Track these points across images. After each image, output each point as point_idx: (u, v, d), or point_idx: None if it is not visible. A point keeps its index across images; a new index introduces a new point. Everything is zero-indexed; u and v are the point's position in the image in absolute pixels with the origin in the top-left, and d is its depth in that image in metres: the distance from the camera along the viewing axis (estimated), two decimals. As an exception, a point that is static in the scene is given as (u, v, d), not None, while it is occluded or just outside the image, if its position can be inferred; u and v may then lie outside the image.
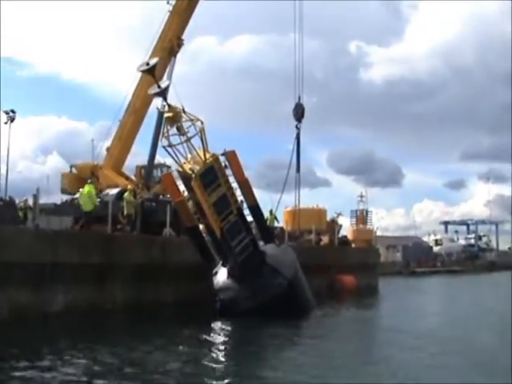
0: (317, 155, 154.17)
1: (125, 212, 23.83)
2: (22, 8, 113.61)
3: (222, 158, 21.31)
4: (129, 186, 26.21)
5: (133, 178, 34.10)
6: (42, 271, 18.57)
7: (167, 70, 33.25)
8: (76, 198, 29.80)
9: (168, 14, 32.68)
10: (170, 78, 33.12)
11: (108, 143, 34.51)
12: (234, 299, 20.29)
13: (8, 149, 37.48)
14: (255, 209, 22.76)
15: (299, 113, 30.67)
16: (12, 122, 38.80)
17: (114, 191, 28.09)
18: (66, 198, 31.77)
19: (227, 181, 20.94)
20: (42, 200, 29.15)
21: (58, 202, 30.76)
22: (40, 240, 19.03)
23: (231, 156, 21.62)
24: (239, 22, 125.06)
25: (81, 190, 23.81)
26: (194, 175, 20.13)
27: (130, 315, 19.89)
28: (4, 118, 38.71)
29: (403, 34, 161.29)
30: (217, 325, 18.65)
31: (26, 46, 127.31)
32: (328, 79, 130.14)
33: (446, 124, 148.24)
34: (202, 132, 20.21)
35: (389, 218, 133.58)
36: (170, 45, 32.79)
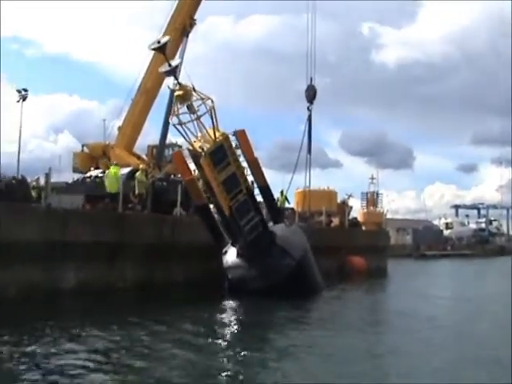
0: (328, 136, 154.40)
1: (136, 191, 23.88)
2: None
3: (232, 138, 21.31)
4: (140, 166, 26.27)
5: (144, 157, 34.19)
6: (52, 249, 18.72)
7: (179, 49, 33.14)
8: (88, 177, 30.10)
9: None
10: (181, 57, 33.08)
11: (119, 122, 34.60)
12: (242, 278, 20.43)
13: (20, 128, 37.68)
14: (265, 189, 22.79)
15: (311, 94, 30.54)
16: (24, 100, 38.92)
17: (125, 170, 28.13)
18: (77, 176, 31.83)
19: (237, 160, 20.95)
20: (54, 179, 29.49)
21: (70, 181, 30.92)
22: (51, 218, 19.19)
23: (241, 135, 21.60)
24: (254, 2, 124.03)
25: (107, 171, 23.86)
26: (203, 153, 20.17)
27: (140, 294, 20.04)
28: (16, 96, 38.88)
29: (416, 17, 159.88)
30: (225, 305, 18.82)
31: (33, 24, 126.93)
32: (341, 61, 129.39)
33: (458, 107, 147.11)
34: (212, 110, 20.15)
35: (399, 201, 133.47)
36: (182, 25, 32.69)
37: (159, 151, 33.09)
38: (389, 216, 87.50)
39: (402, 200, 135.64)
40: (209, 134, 20.34)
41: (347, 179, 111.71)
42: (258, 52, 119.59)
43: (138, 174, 24.53)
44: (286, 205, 33.36)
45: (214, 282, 21.09)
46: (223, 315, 17.00)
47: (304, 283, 20.09)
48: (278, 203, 32.01)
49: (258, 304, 18.29)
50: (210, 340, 12.97)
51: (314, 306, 19.75)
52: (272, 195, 23.53)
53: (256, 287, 19.46)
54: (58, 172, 33.33)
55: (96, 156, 33.61)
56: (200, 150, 20.42)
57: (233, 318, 16.70)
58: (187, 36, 33.25)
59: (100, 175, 29.18)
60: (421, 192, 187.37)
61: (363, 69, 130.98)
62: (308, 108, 30.46)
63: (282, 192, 32.54)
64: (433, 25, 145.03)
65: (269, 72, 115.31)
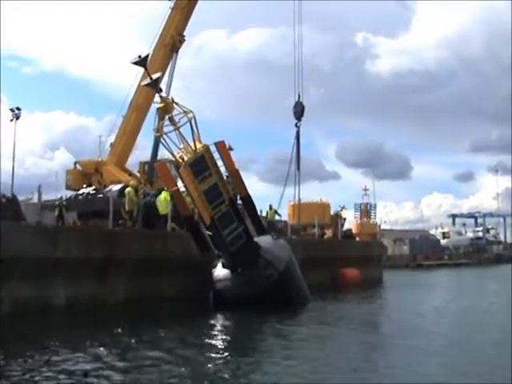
0: (325, 148, 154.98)
1: (126, 208, 24.08)
2: (26, 4, 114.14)
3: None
4: (131, 182, 26.43)
5: (136, 173, 34.40)
6: (43, 266, 18.91)
7: (169, 65, 33.46)
8: (80, 194, 30.31)
9: (169, 10, 32.88)
10: (172, 73, 33.50)
11: (112, 139, 34.86)
12: (225, 289, 20.67)
13: (14, 146, 38.06)
14: (247, 200, 22.98)
15: (299, 111, 30.78)
16: (18, 119, 39.33)
17: (116, 187, 28.38)
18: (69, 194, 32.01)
19: (218, 171, 21.19)
20: (51, 196, 29.71)
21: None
22: (41, 235, 19.41)
23: (221, 146, 21.81)
24: (247, 16, 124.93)
25: (159, 196, 24.61)
26: (183, 163, 20.50)
27: (131, 309, 20.15)
28: (9, 115, 39.28)
29: (410, 25, 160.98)
30: (211, 319, 18.81)
31: (30, 42, 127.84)
32: (335, 71, 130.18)
33: (455, 115, 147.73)
34: (192, 122, 20.58)
35: (398, 211, 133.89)
36: (171, 41, 33.00)
37: (150, 167, 33.29)
38: (387, 227, 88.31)
39: (400, 211, 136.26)
40: (189, 146, 20.70)
41: (345, 190, 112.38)
42: (251, 65, 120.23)
43: (127, 190, 24.71)
44: (277, 218, 33.62)
45: (205, 296, 21.24)
46: (207, 332, 16.88)
47: (287, 295, 20.26)
48: (268, 217, 32.34)
49: (246, 319, 18.31)
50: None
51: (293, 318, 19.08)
52: (254, 206, 23.69)
53: (239, 297, 19.66)
54: (55, 189, 33.77)
55: (88, 173, 33.82)
56: (181, 161, 20.72)
57: (213, 336, 16.40)
58: (177, 52, 33.55)
59: (92, 192, 29.45)
60: (419, 202, 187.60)
61: (358, 79, 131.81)
62: (296, 125, 30.68)
63: (270, 206, 32.84)
64: (427, 31, 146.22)
65: (262, 84, 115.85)
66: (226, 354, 13.20)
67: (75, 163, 35.70)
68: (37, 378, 10.37)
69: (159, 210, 24.22)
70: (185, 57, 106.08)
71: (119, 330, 16.05)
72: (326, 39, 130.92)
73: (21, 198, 29.59)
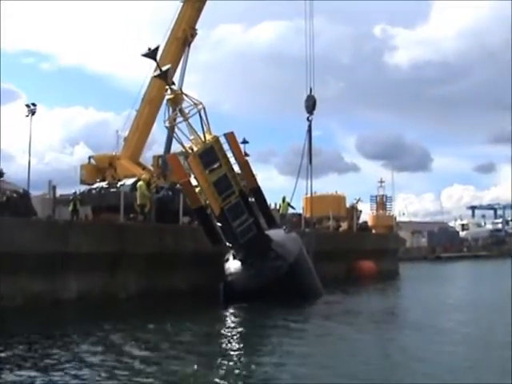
0: (345, 140, 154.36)
1: (137, 202, 24.09)
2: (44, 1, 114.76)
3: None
4: (143, 176, 26.43)
5: (150, 167, 34.43)
6: (54, 260, 19.04)
7: (182, 59, 33.42)
8: (94, 188, 30.45)
9: (181, 4, 32.79)
10: (184, 67, 33.44)
11: (126, 133, 34.86)
12: (235, 281, 20.55)
13: (30, 141, 38.36)
14: (256, 191, 22.90)
15: (310, 105, 30.56)
16: (33, 115, 39.60)
17: (129, 181, 28.42)
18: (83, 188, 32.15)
19: (228, 162, 21.10)
20: (70, 191, 29.77)
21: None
22: (52, 230, 19.53)
23: (230, 137, 21.63)
24: (263, 9, 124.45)
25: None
26: (192, 153, 20.50)
27: (142, 303, 20.20)
28: (25, 111, 39.59)
29: (428, 15, 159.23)
30: (219, 314, 18.71)
31: (47, 38, 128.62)
32: (354, 64, 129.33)
33: (474, 106, 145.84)
34: (201, 113, 20.67)
35: (418, 204, 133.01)
36: (183, 35, 32.95)
37: (164, 160, 33.29)
38: (406, 219, 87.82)
39: (420, 203, 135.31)
40: (199, 137, 20.72)
41: (365, 183, 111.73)
42: (269, 58, 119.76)
43: (138, 184, 24.72)
44: (290, 211, 33.48)
45: (216, 290, 21.18)
46: (218, 326, 16.78)
47: (297, 287, 20.11)
48: (280, 209, 32.22)
49: (257, 313, 18.22)
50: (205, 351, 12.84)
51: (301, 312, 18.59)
52: (264, 198, 23.54)
53: (248, 289, 19.57)
54: (74, 184, 33.92)
55: (103, 167, 33.93)
56: (190, 151, 20.73)
57: (225, 329, 16.20)
58: (189, 46, 33.50)
59: (105, 186, 29.54)
60: (439, 194, 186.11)
61: (377, 71, 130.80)
62: (308, 118, 30.48)
63: (283, 198, 32.66)
64: (446, 22, 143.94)
65: (282, 77, 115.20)
66: (227, 351, 12.97)
67: (89, 158, 35.83)
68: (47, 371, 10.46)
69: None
70: (203, 51, 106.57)
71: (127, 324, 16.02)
72: (344, 31, 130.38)
73: (38, 192, 29.92)
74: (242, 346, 13.64)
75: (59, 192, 29.64)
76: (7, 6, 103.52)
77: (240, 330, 16.13)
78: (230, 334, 15.14)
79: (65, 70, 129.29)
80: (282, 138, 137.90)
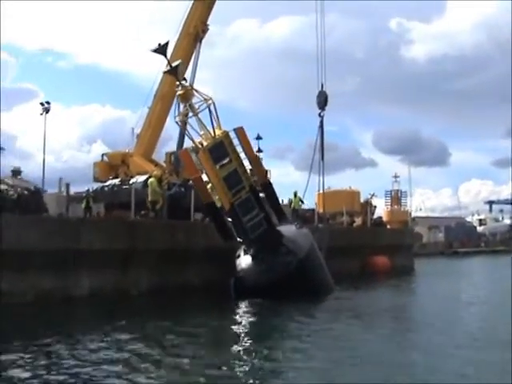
0: (362, 136, 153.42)
1: (149, 198, 24.10)
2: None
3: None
4: (153, 173, 26.43)
5: (163, 164, 34.42)
6: (66, 257, 19.11)
7: (193, 55, 33.36)
8: (106, 186, 30.57)
9: (192, 0, 32.70)
10: (196, 63, 33.37)
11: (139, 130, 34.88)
12: (246, 276, 20.50)
13: (44, 140, 38.49)
14: (267, 187, 22.81)
15: (322, 101, 30.42)
16: (47, 113, 39.71)
17: (142, 178, 28.47)
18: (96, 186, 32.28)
19: (238, 157, 21.10)
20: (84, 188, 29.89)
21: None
22: (64, 227, 19.60)
23: (240, 132, 21.59)
24: (279, 4, 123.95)
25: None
26: (201, 148, 20.57)
27: (154, 299, 20.20)
28: (40, 109, 39.73)
29: (444, 8, 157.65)
30: (230, 309, 18.55)
31: (65, 36, 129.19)
32: (370, 58, 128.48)
33: (492, 100, 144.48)
34: (211, 109, 20.77)
35: (436, 199, 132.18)
36: (194, 31, 32.85)
37: (176, 157, 33.29)
38: (423, 214, 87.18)
39: (438, 198, 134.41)
40: (209, 132, 20.77)
41: (382, 178, 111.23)
42: (285, 53, 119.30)
43: (149, 180, 24.73)
44: (301, 206, 33.35)
45: (228, 285, 21.12)
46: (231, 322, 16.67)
47: (308, 283, 19.97)
48: (292, 204, 32.08)
49: (268, 309, 18.16)
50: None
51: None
52: (275, 193, 23.44)
53: (258, 284, 19.53)
54: (91, 182, 34.07)
55: (115, 164, 33.98)
56: (200, 146, 20.80)
57: (237, 328, 15.96)
58: (200, 41, 33.43)
59: (117, 183, 29.61)
60: (456, 189, 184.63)
61: (393, 65, 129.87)
62: (319, 114, 30.34)
63: (295, 193, 32.55)
64: (462, 15, 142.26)
65: (298, 72, 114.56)
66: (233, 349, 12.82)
67: (102, 155, 35.91)
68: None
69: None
70: (219, 47, 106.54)
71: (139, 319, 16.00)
72: (359, 26, 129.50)
73: (55, 190, 30.11)
74: (253, 347, 13.38)
75: (75, 190, 29.98)
76: (25, 7, 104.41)
77: (250, 329, 15.97)
78: (240, 333, 14.98)
79: (81, 68, 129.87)
80: (297, 134, 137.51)
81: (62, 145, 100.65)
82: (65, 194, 27.95)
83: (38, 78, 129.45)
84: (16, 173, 35.80)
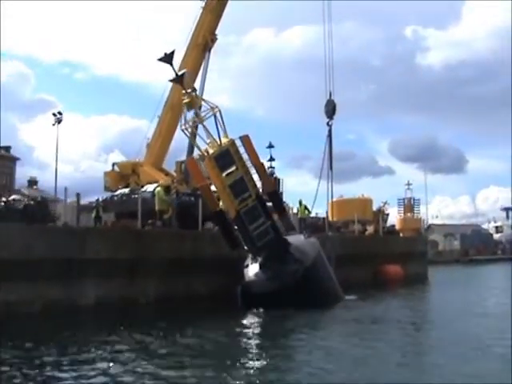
0: (378, 144, 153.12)
1: (156, 207, 24.12)
2: (78, 10, 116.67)
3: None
4: (161, 182, 26.50)
5: (173, 173, 34.49)
6: (71, 267, 19.16)
7: (202, 65, 33.44)
8: (116, 195, 30.66)
9: (200, 10, 32.82)
10: (205, 73, 33.43)
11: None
12: (253, 284, 20.39)
13: (56, 149, 38.88)
14: (273, 195, 22.77)
15: (330, 110, 30.32)
16: (59, 123, 40.13)
17: (151, 187, 28.53)
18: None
19: (244, 165, 21.09)
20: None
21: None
22: (69, 237, 19.67)
23: (246, 140, 21.57)
24: (295, 13, 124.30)
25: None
26: (207, 156, 20.64)
27: (161, 309, 20.16)
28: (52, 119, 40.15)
29: (460, 15, 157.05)
30: (236, 319, 18.28)
31: (81, 48, 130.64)
32: (386, 66, 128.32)
33: (508, 106, 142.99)
34: (217, 116, 20.79)
35: (454, 206, 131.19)
36: (203, 41, 32.93)
37: (186, 166, 33.36)
38: (439, 221, 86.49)
39: (456, 205, 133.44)
40: (215, 140, 20.84)
41: (400, 186, 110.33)
42: (301, 62, 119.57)
43: (156, 190, 24.77)
44: (308, 214, 33.19)
45: (236, 295, 21.02)
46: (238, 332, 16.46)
47: (314, 291, 19.81)
48: (299, 213, 31.92)
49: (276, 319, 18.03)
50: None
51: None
52: (281, 201, 23.40)
53: (265, 292, 19.41)
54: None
55: (126, 174, 34.10)
56: (206, 154, 20.88)
57: (245, 337, 15.69)
58: (209, 51, 33.50)
59: (127, 193, 29.70)
60: (474, 197, 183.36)
61: (409, 73, 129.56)
62: (328, 123, 30.21)
63: (300, 202, 32.44)
64: (478, 21, 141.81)
65: (314, 81, 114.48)
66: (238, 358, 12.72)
67: (113, 165, 36.10)
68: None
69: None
70: (235, 56, 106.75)
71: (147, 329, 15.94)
72: (374, 34, 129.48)
73: (73, 199, 30.22)
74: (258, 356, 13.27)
75: (89, 199, 30.11)
76: (42, 18, 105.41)
77: (255, 339, 15.80)
78: (245, 345, 14.81)
79: (99, 79, 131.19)
80: (315, 143, 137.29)
81: (79, 155, 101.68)
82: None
83: (56, 89, 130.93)
84: (32, 183, 36.22)
